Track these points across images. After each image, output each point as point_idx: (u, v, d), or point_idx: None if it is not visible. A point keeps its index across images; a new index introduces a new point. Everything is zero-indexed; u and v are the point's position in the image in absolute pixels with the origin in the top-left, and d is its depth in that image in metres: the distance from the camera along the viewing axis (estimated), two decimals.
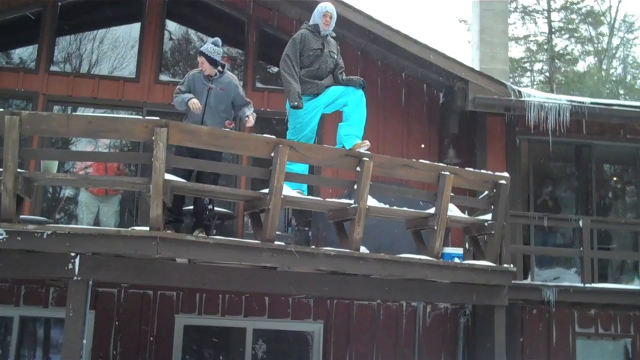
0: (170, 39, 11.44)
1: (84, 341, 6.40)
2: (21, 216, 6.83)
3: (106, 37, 11.21)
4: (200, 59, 7.77)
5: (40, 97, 10.49)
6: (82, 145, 10.28)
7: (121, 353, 9.57)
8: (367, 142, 7.72)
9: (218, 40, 7.88)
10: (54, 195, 10.74)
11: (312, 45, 7.93)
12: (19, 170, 6.45)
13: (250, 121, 7.80)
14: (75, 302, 6.39)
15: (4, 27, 10.88)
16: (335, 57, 8.11)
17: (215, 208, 8.40)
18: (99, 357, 9.37)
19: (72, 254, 6.43)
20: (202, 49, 7.80)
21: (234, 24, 11.37)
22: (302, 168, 7.81)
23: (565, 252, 11.20)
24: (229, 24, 11.43)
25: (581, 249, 10.06)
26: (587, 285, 9.90)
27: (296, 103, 7.64)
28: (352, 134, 7.82)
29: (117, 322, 9.59)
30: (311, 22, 8.10)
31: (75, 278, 6.42)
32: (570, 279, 10.51)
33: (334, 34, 8.28)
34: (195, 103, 7.40)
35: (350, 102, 7.90)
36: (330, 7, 8.03)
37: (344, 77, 8.12)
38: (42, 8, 10.88)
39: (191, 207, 7.95)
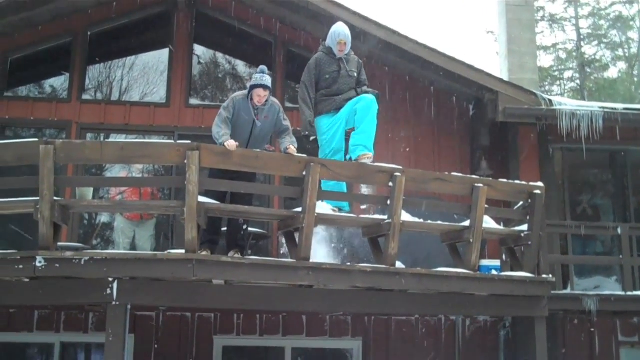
0: (199, 63, 11.55)
1: None
2: (59, 243, 6.94)
3: (135, 63, 11.36)
4: (263, 93, 7.50)
5: (73, 125, 10.64)
6: (116, 171, 10.40)
7: None
8: (370, 154, 7.64)
9: (265, 68, 7.68)
10: (90, 221, 10.86)
11: (328, 69, 8.01)
12: (55, 198, 6.53)
13: (293, 151, 7.41)
14: (114, 326, 6.44)
15: (36, 59, 11.09)
16: (356, 75, 8.13)
17: (250, 228, 8.41)
18: None
19: (110, 279, 6.49)
20: (263, 82, 7.48)
21: (261, 45, 11.46)
22: (340, 186, 7.85)
23: (605, 260, 11.05)
24: (256, 46, 11.52)
25: (621, 256, 9.92)
26: (629, 293, 9.75)
27: (307, 132, 7.84)
28: (361, 144, 7.73)
29: (156, 345, 9.63)
30: (327, 44, 8.15)
31: (113, 303, 6.47)
32: (611, 288, 10.35)
33: (352, 52, 8.29)
34: (231, 145, 6.95)
35: (360, 109, 7.86)
36: (344, 34, 8.04)
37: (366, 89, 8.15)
38: (72, 38, 11.06)
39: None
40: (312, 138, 8.01)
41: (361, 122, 7.83)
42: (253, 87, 7.53)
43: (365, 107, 7.84)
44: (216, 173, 7.38)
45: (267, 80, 7.56)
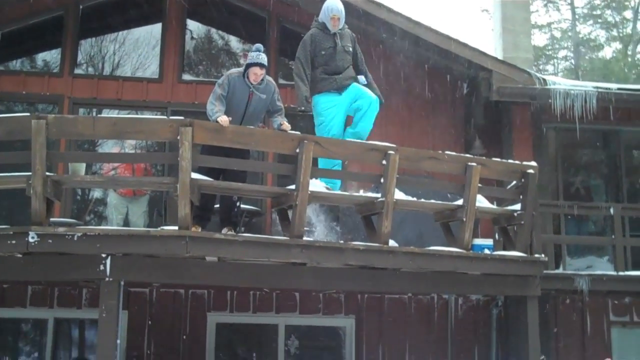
0: (192, 38, 11.48)
1: (118, 341, 6.47)
2: (52, 219, 6.90)
3: (128, 38, 11.27)
4: (260, 71, 7.45)
5: (65, 100, 10.56)
6: (109, 146, 10.35)
7: (155, 352, 9.62)
8: None
9: (261, 46, 7.63)
10: (83, 197, 10.83)
11: (323, 45, 7.97)
12: (47, 173, 6.49)
13: (286, 127, 7.37)
14: (107, 302, 6.44)
15: (28, 32, 10.99)
16: (351, 49, 8.09)
17: (243, 205, 8.40)
18: (133, 357, 9.43)
19: (103, 255, 6.48)
20: (260, 60, 7.42)
21: (254, 21, 11.37)
22: (335, 163, 7.83)
23: (597, 240, 11.12)
24: (250, 21, 11.43)
25: (613, 236, 9.97)
26: (621, 273, 9.81)
27: (303, 107, 7.78)
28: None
29: (149, 322, 9.64)
30: (320, 20, 8.11)
31: (107, 279, 6.47)
32: (603, 267, 10.42)
33: (347, 26, 8.24)
34: (224, 121, 6.95)
35: (363, 107, 7.89)
36: (337, 9, 7.99)
37: (368, 75, 8.11)
38: (63, 12, 10.94)
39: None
40: (308, 113, 7.99)
41: (360, 121, 7.89)
42: (249, 65, 7.46)
43: (371, 108, 7.89)
44: (209, 150, 7.34)
45: (264, 58, 7.49)
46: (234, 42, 11.77)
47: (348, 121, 8.10)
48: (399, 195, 7.46)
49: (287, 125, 7.39)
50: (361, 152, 7.52)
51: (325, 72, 7.93)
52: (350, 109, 8.00)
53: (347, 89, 7.98)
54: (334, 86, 7.93)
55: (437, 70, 11.15)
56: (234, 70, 7.78)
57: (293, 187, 6.95)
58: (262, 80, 7.57)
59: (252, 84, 7.50)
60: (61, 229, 6.53)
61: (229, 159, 7.28)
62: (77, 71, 10.90)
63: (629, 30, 29.44)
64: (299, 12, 11.22)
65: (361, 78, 8.10)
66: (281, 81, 11.08)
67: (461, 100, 11.25)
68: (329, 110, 7.93)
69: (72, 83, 10.71)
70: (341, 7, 8.04)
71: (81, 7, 10.99)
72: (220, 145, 7.08)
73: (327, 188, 7.65)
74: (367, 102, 7.88)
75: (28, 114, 6.86)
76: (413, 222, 9.09)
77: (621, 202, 10.81)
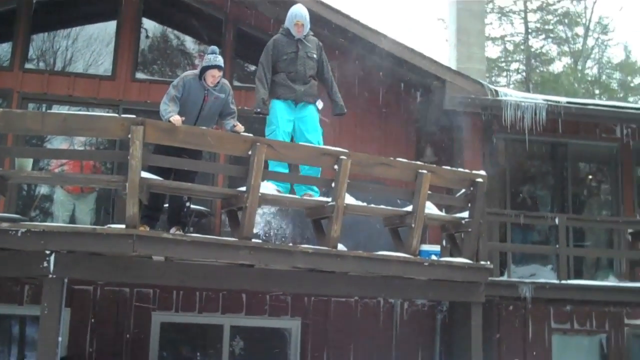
0: (147, 37, 11.37)
1: (59, 339, 6.38)
2: None
3: (81, 34, 11.12)
4: (218, 73, 7.49)
5: (14, 94, 10.38)
6: (58, 142, 10.21)
7: (97, 350, 9.50)
8: (310, 194, 7.96)
9: (217, 48, 7.67)
10: (29, 193, 10.65)
11: (285, 50, 8.05)
12: None
13: (240, 129, 7.41)
14: (50, 299, 6.35)
15: None
16: (316, 56, 8.15)
17: (192, 206, 8.36)
18: (74, 356, 9.29)
19: (47, 252, 6.38)
20: (217, 63, 7.46)
21: (210, 22, 11.32)
22: (283, 167, 7.87)
23: (541, 249, 11.32)
24: (206, 22, 11.38)
25: (557, 246, 10.16)
26: (563, 281, 9.99)
27: (259, 110, 7.89)
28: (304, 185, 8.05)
29: (93, 320, 9.52)
30: (285, 25, 8.21)
31: (50, 276, 6.37)
32: (547, 276, 10.62)
33: (312, 34, 8.31)
34: (177, 120, 6.92)
35: (305, 131, 8.09)
36: (300, 15, 8.09)
37: (333, 84, 8.28)
38: (16, 5, 10.75)
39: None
40: (264, 116, 8.08)
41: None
42: (207, 67, 7.48)
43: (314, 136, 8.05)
44: (161, 150, 7.29)
45: (221, 61, 7.54)
46: (190, 43, 11.69)
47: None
48: (349, 200, 7.51)
49: (240, 127, 7.41)
50: (313, 156, 7.56)
51: (288, 78, 8.02)
52: (295, 129, 8.13)
53: (303, 107, 8.09)
54: (292, 97, 8.02)
55: (391, 77, 11.23)
56: (189, 72, 7.78)
57: (244, 188, 6.94)
58: (218, 82, 7.58)
59: (208, 86, 7.50)
60: (5, 224, 6.41)
61: (180, 159, 7.24)
62: (28, 66, 10.71)
63: (579, 45, 30.08)
64: (256, 15, 11.22)
65: (318, 102, 8.19)
66: (236, 83, 11.08)
67: (414, 108, 11.33)
68: (281, 119, 7.99)
69: (22, 77, 10.53)
70: (305, 13, 8.13)
71: (34, 1, 10.82)
72: (172, 146, 7.04)
73: (278, 191, 7.68)
74: (311, 130, 8.09)
75: None
76: (362, 226, 9.14)
77: (566, 213, 11.04)
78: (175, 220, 7.72)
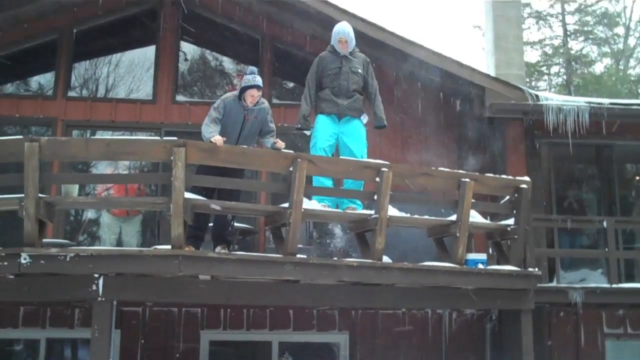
0: (185, 59, 11.53)
1: None
2: (44, 240, 6.90)
3: (122, 60, 11.32)
4: (257, 93, 7.63)
5: (58, 122, 10.60)
6: (103, 167, 10.38)
7: None
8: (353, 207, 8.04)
9: (255, 69, 7.83)
10: (76, 217, 10.83)
11: (330, 66, 8.24)
12: (40, 195, 6.51)
13: (281, 145, 7.53)
14: (100, 322, 6.44)
15: (22, 56, 11.04)
16: (361, 71, 8.24)
17: (236, 224, 8.43)
18: None
19: (96, 275, 6.48)
20: (256, 83, 7.59)
21: (248, 42, 11.44)
22: (329, 181, 7.93)
23: (590, 253, 11.13)
24: (243, 42, 11.50)
25: (606, 249, 9.97)
26: (614, 285, 9.80)
27: (299, 126, 8.15)
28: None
29: (142, 340, 9.61)
30: (331, 43, 8.39)
31: (99, 299, 6.47)
32: (597, 280, 10.41)
33: (357, 50, 8.40)
34: (219, 140, 7.09)
35: (350, 144, 8.17)
36: (343, 32, 8.29)
37: (377, 98, 8.36)
38: (58, 35, 11.01)
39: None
40: (307, 132, 8.26)
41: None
42: (246, 88, 7.61)
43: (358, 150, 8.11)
44: (204, 170, 7.38)
45: (260, 80, 7.68)
46: (228, 63, 11.83)
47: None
48: (392, 211, 7.49)
49: (281, 144, 7.52)
50: (355, 169, 7.56)
51: (332, 92, 8.16)
52: (340, 143, 8.23)
53: (348, 121, 8.18)
54: (335, 111, 8.13)
55: (430, 87, 11.21)
56: (228, 94, 7.90)
57: (286, 205, 6.97)
58: (257, 101, 7.69)
59: (247, 106, 7.62)
60: (53, 250, 6.54)
61: (222, 178, 7.32)
62: (71, 94, 10.95)
63: (620, 45, 29.64)
64: (292, 33, 11.33)
65: (363, 117, 8.27)
66: (275, 101, 11.16)
67: (454, 117, 11.29)
68: (322, 133, 8.09)
69: (66, 105, 10.76)
70: (349, 30, 8.31)
71: (75, 30, 11.06)
72: (215, 166, 7.12)
73: (326, 206, 7.74)
74: (356, 145, 8.16)
75: (21, 136, 6.88)
76: (406, 237, 9.10)
77: (614, 215, 10.84)
78: (220, 239, 7.77)
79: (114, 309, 6.59)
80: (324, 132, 8.08)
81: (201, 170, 7.46)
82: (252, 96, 7.61)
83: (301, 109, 8.17)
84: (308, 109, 8.16)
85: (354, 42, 8.33)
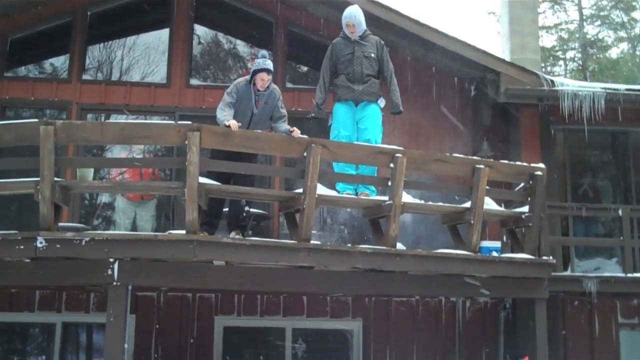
0: (199, 43, 11.49)
1: (126, 345, 6.49)
2: (60, 224, 6.93)
3: (136, 43, 11.29)
4: (267, 77, 7.63)
5: (73, 105, 10.60)
6: (117, 151, 10.39)
7: (162, 356, 9.63)
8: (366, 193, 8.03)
9: (267, 52, 7.84)
10: (91, 202, 10.86)
11: (343, 52, 8.24)
12: (55, 178, 6.52)
13: (297, 132, 7.53)
14: (115, 307, 6.47)
15: (36, 39, 11.04)
16: (374, 55, 8.18)
17: (251, 209, 8.42)
18: None
19: (111, 260, 6.50)
20: (267, 66, 7.60)
21: (261, 25, 11.38)
22: (351, 168, 7.93)
23: (605, 242, 11.06)
24: (257, 26, 11.44)
25: (621, 238, 9.89)
26: (629, 275, 9.72)
27: (314, 114, 8.26)
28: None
29: (157, 325, 9.66)
30: (343, 28, 8.36)
31: (114, 283, 6.49)
32: (612, 269, 10.34)
33: (369, 33, 8.34)
34: (234, 124, 7.09)
35: (366, 128, 8.18)
36: (350, 16, 8.24)
37: (393, 81, 8.32)
38: (71, 18, 10.99)
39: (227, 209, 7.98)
40: (320, 118, 8.46)
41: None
42: (256, 71, 7.62)
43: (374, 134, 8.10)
44: (218, 155, 7.37)
45: (270, 64, 7.67)
46: (242, 47, 11.77)
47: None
48: (406, 197, 7.46)
49: (297, 131, 7.51)
50: (369, 155, 7.54)
51: (347, 79, 8.16)
52: (358, 127, 8.23)
53: (365, 106, 8.15)
54: (351, 97, 8.12)
55: (444, 72, 11.14)
56: (241, 79, 7.92)
57: (300, 190, 6.96)
58: (268, 87, 7.70)
59: (258, 90, 7.62)
60: (69, 234, 6.57)
61: (236, 163, 7.33)
62: (85, 77, 10.93)
63: (637, 30, 29.33)
64: (306, 16, 11.25)
65: (381, 101, 8.23)
66: (288, 85, 11.13)
67: (469, 102, 11.22)
68: (342, 123, 8.13)
69: (80, 89, 10.75)
70: (356, 13, 8.24)
71: (89, 13, 11.03)
72: (229, 150, 7.12)
73: (349, 194, 7.75)
74: (371, 131, 8.13)
75: (36, 120, 6.89)
76: (420, 224, 9.08)
77: (630, 204, 10.75)
78: (235, 224, 7.78)
79: (129, 293, 6.61)
80: (344, 121, 8.10)
81: (214, 156, 7.45)
82: (262, 80, 7.62)
83: (315, 97, 8.21)
84: (322, 98, 8.19)
85: (362, 25, 8.26)
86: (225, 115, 7.29)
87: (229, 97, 7.61)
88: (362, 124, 8.13)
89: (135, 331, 9.37)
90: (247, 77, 7.78)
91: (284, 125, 7.71)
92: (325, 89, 8.21)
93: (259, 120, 7.76)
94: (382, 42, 8.43)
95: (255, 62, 7.69)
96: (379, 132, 8.22)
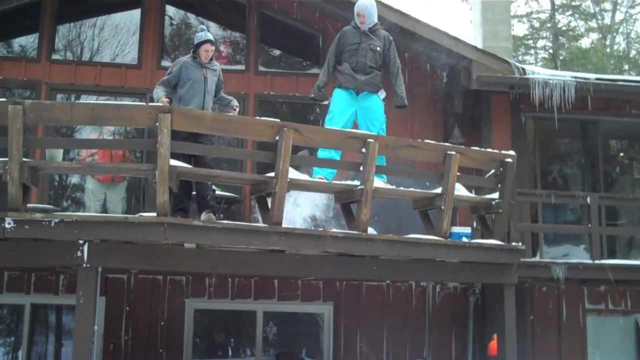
0: (171, 24, 11.39)
1: (95, 327, 6.44)
2: (28, 205, 6.85)
3: (107, 23, 11.15)
4: (211, 47, 7.84)
5: (43, 85, 10.47)
6: (87, 132, 10.28)
7: (132, 338, 9.60)
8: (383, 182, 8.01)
9: (204, 27, 8.16)
10: (60, 183, 10.75)
11: (350, 41, 8.25)
12: (24, 159, 6.44)
13: (236, 104, 8.04)
14: (85, 288, 6.41)
15: (4, 17, 10.82)
16: (379, 49, 8.18)
17: (223, 192, 8.40)
18: (110, 343, 9.41)
19: (81, 242, 6.43)
20: (209, 37, 7.86)
21: (234, 7, 11.31)
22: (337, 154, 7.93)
23: (574, 229, 11.19)
24: (229, 8, 11.36)
25: (589, 225, 10.02)
26: (597, 261, 9.86)
27: (313, 95, 8.22)
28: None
29: (127, 308, 9.63)
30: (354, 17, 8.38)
31: (84, 265, 6.43)
32: (580, 256, 10.49)
33: (379, 27, 8.35)
34: (163, 102, 7.40)
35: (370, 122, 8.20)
36: (361, 6, 8.29)
37: (399, 76, 8.31)
38: None
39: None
40: (324, 102, 8.48)
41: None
42: (200, 44, 7.81)
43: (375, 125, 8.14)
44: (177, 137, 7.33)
45: (211, 35, 7.94)
46: (214, 28, 11.65)
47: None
48: (378, 183, 7.47)
49: (236, 103, 8.02)
50: (340, 139, 7.52)
51: (351, 67, 8.17)
52: (358, 118, 8.23)
53: (366, 97, 8.15)
54: (353, 86, 8.13)
55: (416, 59, 11.15)
56: (182, 57, 8.10)
57: (272, 174, 6.94)
58: (211, 59, 7.90)
59: (203, 62, 7.82)
60: (38, 215, 6.48)
61: (207, 146, 7.31)
62: (55, 56, 10.79)
63: (607, 20, 29.60)
64: None
65: (381, 93, 8.24)
66: (261, 68, 11.08)
67: (441, 89, 11.26)
68: (339, 108, 8.11)
69: (50, 68, 10.61)
70: (368, 4, 8.26)
71: None
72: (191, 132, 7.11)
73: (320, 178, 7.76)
74: (377, 124, 8.17)
75: (4, 99, 6.78)
76: (392, 209, 9.11)
77: (598, 191, 10.89)
78: (205, 205, 7.75)
79: (99, 275, 6.55)
80: (341, 107, 8.10)
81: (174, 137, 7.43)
82: (206, 51, 7.81)
83: (318, 79, 8.25)
84: (324, 81, 8.24)
85: (373, 17, 8.29)
86: (157, 93, 7.58)
87: (166, 76, 7.84)
88: (364, 115, 8.15)
89: (105, 313, 9.35)
90: (188, 55, 7.97)
91: (228, 96, 8.11)
92: (329, 73, 8.27)
93: (210, 90, 7.88)
94: (391, 38, 8.45)
95: (197, 36, 7.88)
96: (381, 122, 8.26)
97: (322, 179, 7.76)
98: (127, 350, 9.58)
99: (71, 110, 6.84)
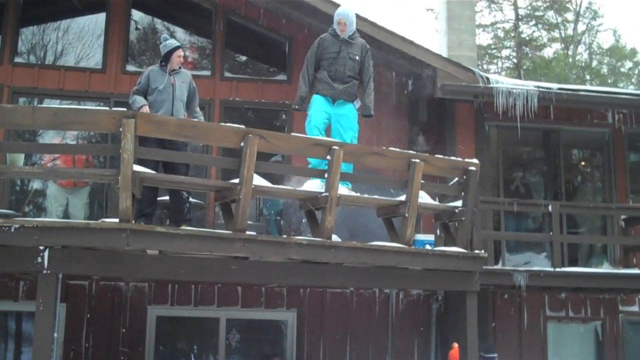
0: (137, 28, 11.32)
1: (55, 334, 6.34)
2: None
3: (71, 27, 11.07)
4: (182, 53, 7.89)
5: (5, 89, 10.34)
6: (50, 137, 10.15)
7: (93, 345, 9.50)
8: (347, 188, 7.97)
9: (167, 35, 8.20)
10: (22, 188, 10.60)
11: (329, 49, 8.18)
12: None
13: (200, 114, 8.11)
14: (45, 295, 6.31)
15: None
16: (358, 58, 8.17)
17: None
18: (71, 350, 9.29)
19: (41, 248, 6.33)
20: (179, 43, 7.91)
21: (200, 12, 11.28)
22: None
23: (535, 237, 11.32)
24: (196, 13, 11.34)
25: (551, 233, 10.14)
26: (558, 269, 9.98)
27: (297, 107, 8.15)
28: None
29: (88, 315, 9.52)
30: (333, 25, 8.30)
31: (44, 271, 6.33)
32: (541, 264, 10.62)
33: (356, 35, 8.33)
34: (145, 109, 7.42)
35: (342, 129, 8.16)
36: (342, 14, 8.22)
37: (370, 85, 8.28)
38: None
39: (164, 197, 7.89)
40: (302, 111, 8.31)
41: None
42: (172, 50, 7.81)
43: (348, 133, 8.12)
44: (150, 143, 7.28)
45: (177, 44, 7.93)
46: (180, 34, 11.63)
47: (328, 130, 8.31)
48: (342, 190, 7.48)
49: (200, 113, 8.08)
50: (306, 146, 7.51)
51: (329, 76, 8.12)
52: (332, 123, 8.21)
53: (341, 105, 8.14)
54: (330, 94, 8.10)
55: (382, 66, 11.18)
56: (149, 67, 8.10)
57: (237, 181, 6.91)
58: (180, 67, 7.93)
59: (173, 69, 7.83)
60: None
61: (173, 152, 7.26)
62: (18, 60, 10.67)
63: (570, 31, 30.06)
64: (246, 5, 11.17)
65: (356, 102, 8.24)
66: (227, 74, 11.05)
67: (406, 97, 11.32)
68: (316, 112, 8.08)
69: (12, 72, 10.50)
70: (349, 12, 8.22)
71: None
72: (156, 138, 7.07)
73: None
74: (348, 132, 8.15)
75: None
76: (357, 217, 9.13)
77: (559, 200, 11.04)
78: (181, 218, 7.70)
79: (60, 282, 6.45)
80: (319, 111, 8.09)
81: (141, 143, 7.36)
82: (179, 57, 7.85)
83: (299, 89, 8.16)
84: (306, 91, 8.15)
85: (353, 25, 8.25)
86: (137, 102, 7.57)
87: (136, 85, 7.81)
88: (338, 122, 8.13)
89: (66, 320, 9.25)
90: (155, 64, 7.98)
91: (197, 107, 8.11)
92: (309, 81, 8.16)
93: (179, 97, 7.84)
94: (368, 47, 8.43)
95: (167, 43, 7.84)
96: (354, 131, 8.25)
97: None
98: (88, 358, 9.47)
99: (33, 114, 6.75)
